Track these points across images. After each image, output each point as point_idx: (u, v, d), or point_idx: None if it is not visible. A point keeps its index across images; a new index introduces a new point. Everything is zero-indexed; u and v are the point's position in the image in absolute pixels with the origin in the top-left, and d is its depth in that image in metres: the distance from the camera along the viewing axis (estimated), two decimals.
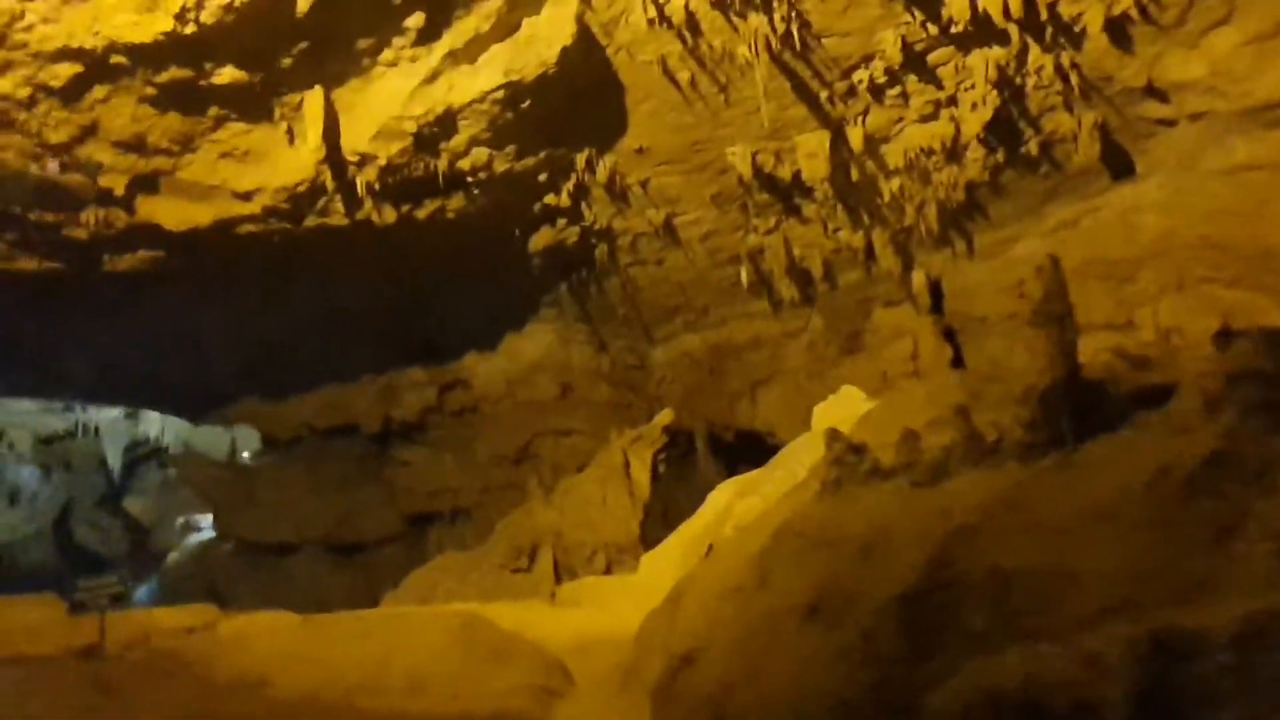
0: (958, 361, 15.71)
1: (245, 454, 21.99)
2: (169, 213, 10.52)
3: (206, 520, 23.93)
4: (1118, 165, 12.09)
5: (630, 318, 19.12)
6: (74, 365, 16.42)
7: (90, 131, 9.68)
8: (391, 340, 18.59)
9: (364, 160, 10.47)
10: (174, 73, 9.16)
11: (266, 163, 10.42)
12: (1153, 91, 10.36)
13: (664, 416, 12.77)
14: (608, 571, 10.64)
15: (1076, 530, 3.67)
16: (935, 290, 15.38)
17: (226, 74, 9.30)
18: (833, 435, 5.66)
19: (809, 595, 4.15)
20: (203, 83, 9.40)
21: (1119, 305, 12.71)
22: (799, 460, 5.56)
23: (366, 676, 4.99)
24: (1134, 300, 12.63)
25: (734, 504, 5.39)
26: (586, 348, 19.61)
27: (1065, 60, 9.96)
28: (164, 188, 10.34)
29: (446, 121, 10.13)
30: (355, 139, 10.21)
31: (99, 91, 9.28)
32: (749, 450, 19.18)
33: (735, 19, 9.40)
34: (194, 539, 23.48)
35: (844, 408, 7.55)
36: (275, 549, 19.78)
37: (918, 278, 14.80)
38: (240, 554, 20.24)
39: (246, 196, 10.61)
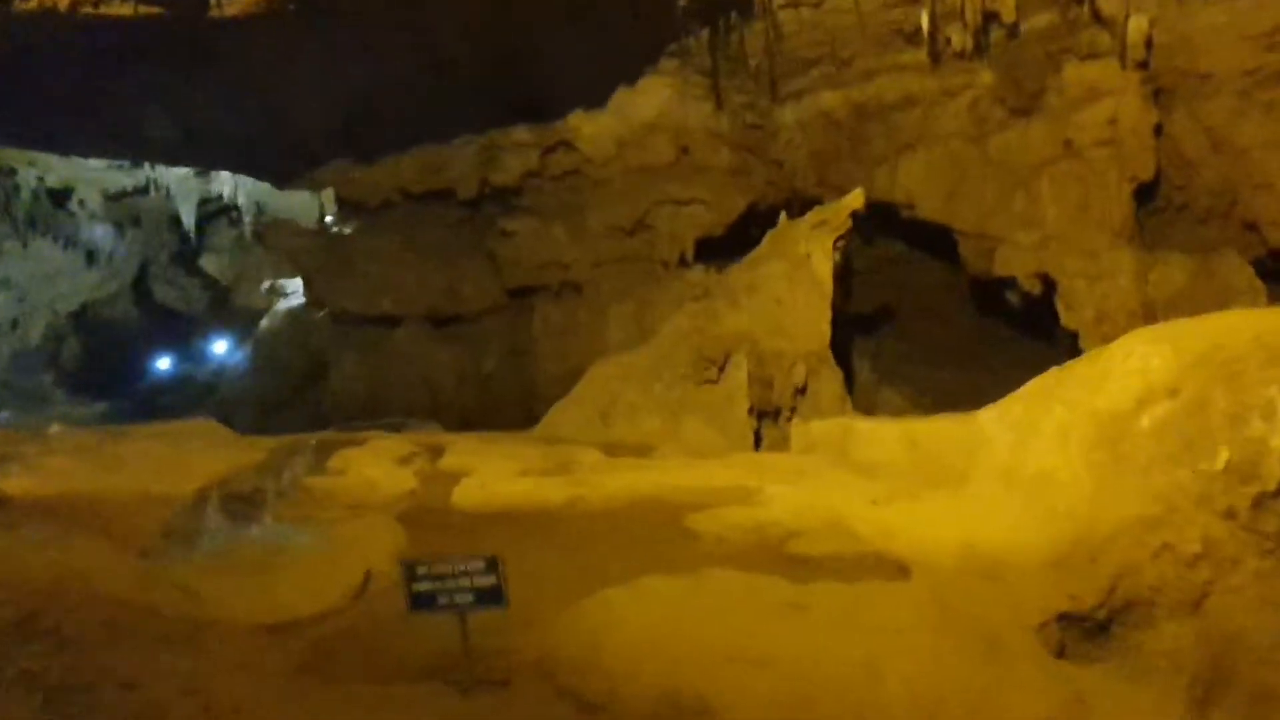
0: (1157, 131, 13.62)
1: (328, 218, 20.74)
2: None
3: (294, 285, 23.23)
4: None
5: (760, 70, 16.83)
6: (156, 126, 14.91)
7: None
8: (491, 96, 16.65)
9: None
10: None
11: None
12: None
13: (853, 199, 11.09)
14: (804, 388, 9.51)
15: None
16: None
17: None
18: None
19: None
20: None
21: None
22: None
23: (855, 696, 3.25)
24: None
25: (1207, 386, 3.74)
26: (704, 104, 17.46)
27: None
28: None
29: None
30: None
31: None
32: (884, 222, 17.60)
33: None
34: (284, 305, 22.88)
35: None
36: (376, 320, 19.07)
37: (1135, 23, 12.35)
38: (338, 324, 19.60)
39: None
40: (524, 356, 18.77)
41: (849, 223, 10.94)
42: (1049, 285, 14.39)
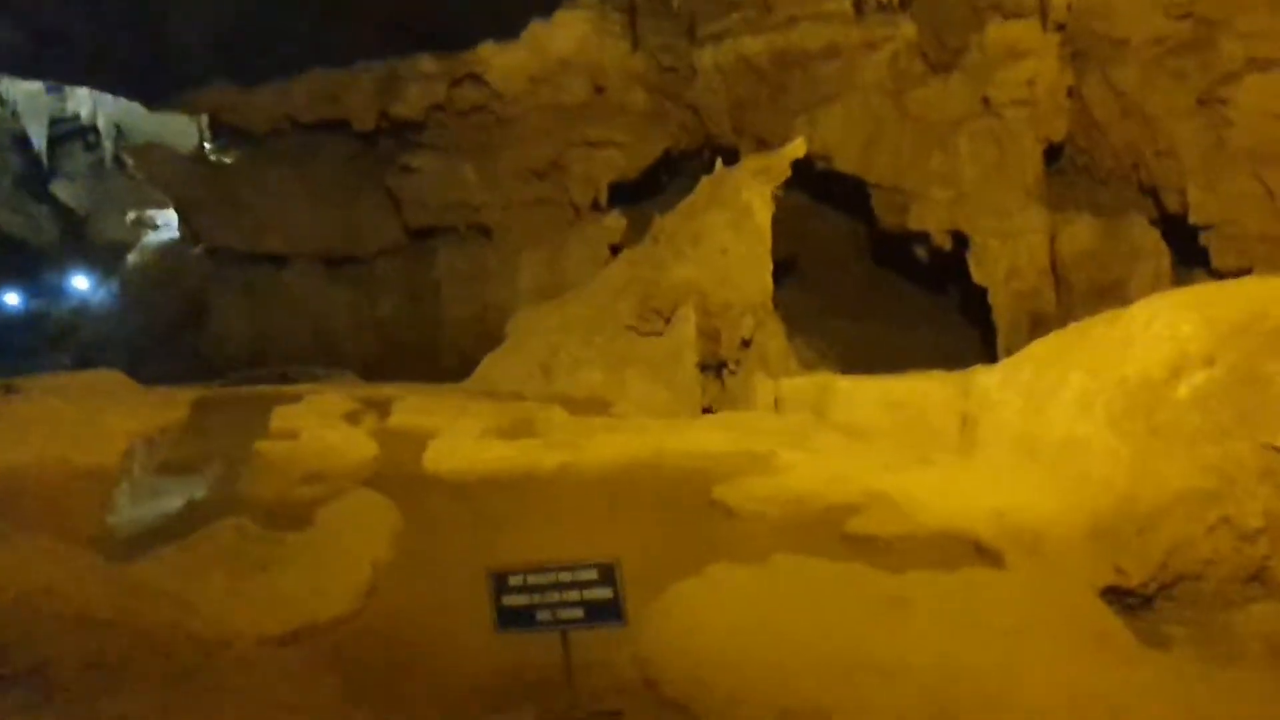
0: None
1: (206, 145, 18.99)
2: None
3: (164, 217, 21.34)
4: None
5: (680, 11, 16.32)
6: (2, 29, 13.13)
7: None
8: (394, 19, 15.54)
9: None
10: None
11: None
12: None
13: (796, 147, 10.80)
14: (748, 341, 9.17)
15: None
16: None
17: None
18: None
19: None
20: None
21: None
22: None
23: (995, 709, 2.96)
24: None
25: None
26: (621, 43, 16.84)
27: None
28: None
29: None
30: None
31: None
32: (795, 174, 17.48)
33: None
34: (153, 239, 20.96)
35: None
36: (261, 258, 17.73)
37: None
38: (220, 262, 18.13)
39: None
40: (424, 301, 17.90)
41: (789, 171, 10.70)
42: (959, 241, 14.64)
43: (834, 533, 4.55)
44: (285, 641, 3.53)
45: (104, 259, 24.84)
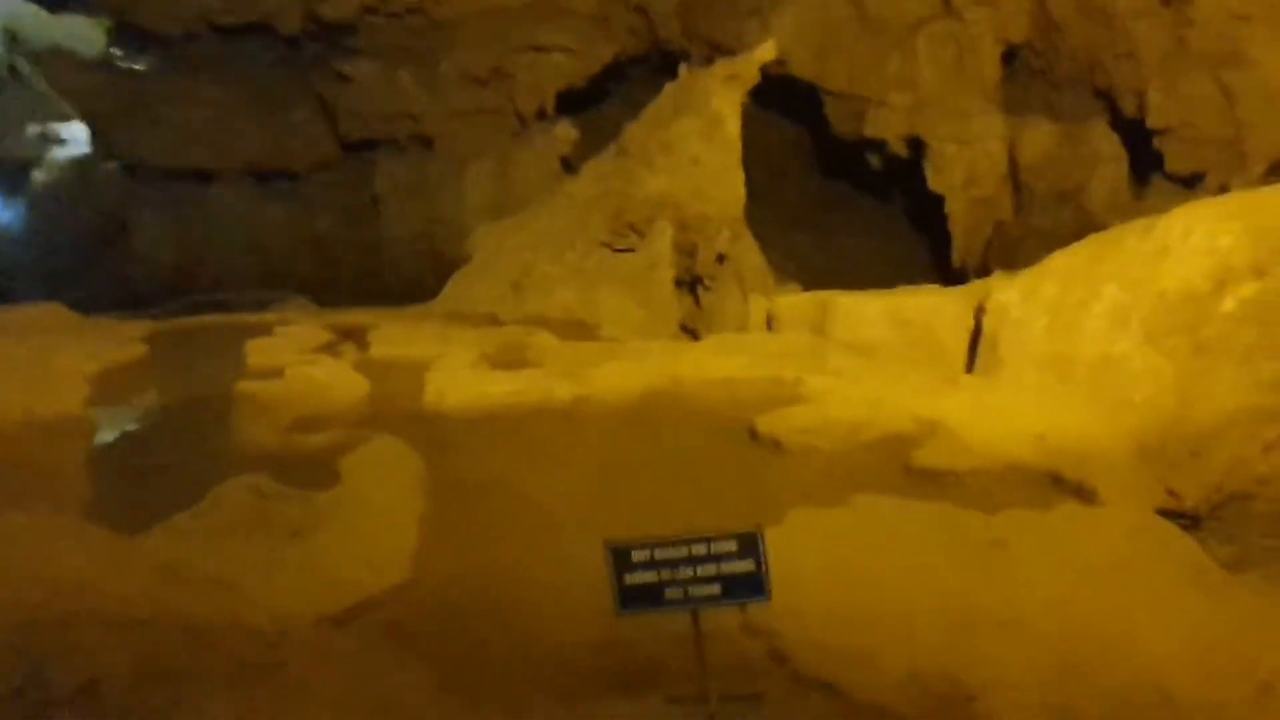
0: None
1: (115, 50, 17.44)
2: None
3: (70, 130, 19.72)
4: None
5: None
6: None
7: None
8: None
9: None
10: None
11: None
12: None
13: (766, 50, 10.30)
14: (723, 257, 8.81)
15: None
16: None
17: None
18: None
19: None
20: None
21: None
22: None
23: (1122, 658, 2.76)
24: None
25: None
26: None
27: None
28: None
29: None
30: None
31: None
32: None
33: None
34: (61, 154, 19.40)
35: None
36: (184, 175, 16.64)
37: None
38: (139, 178, 16.95)
39: None
40: (364, 217, 17.10)
41: (758, 77, 10.26)
42: (914, 148, 14.46)
43: (898, 466, 4.38)
44: (343, 620, 3.18)
45: (5, 177, 23.04)
